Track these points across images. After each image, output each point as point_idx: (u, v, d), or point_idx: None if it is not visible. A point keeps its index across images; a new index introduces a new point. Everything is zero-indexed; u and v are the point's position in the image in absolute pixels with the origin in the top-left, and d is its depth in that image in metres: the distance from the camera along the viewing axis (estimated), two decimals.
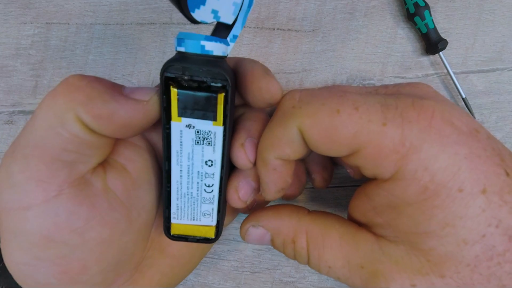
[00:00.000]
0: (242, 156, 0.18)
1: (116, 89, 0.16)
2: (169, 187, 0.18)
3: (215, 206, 0.19)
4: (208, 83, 0.16)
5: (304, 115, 0.16)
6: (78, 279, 0.17)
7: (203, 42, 0.16)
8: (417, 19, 0.27)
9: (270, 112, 0.21)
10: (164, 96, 0.16)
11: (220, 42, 0.16)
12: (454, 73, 0.28)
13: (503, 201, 0.14)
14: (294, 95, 0.17)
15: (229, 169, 0.19)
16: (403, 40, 0.28)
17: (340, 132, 0.15)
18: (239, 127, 0.19)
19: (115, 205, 0.17)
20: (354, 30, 0.28)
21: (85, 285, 0.17)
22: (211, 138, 0.17)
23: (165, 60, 0.28)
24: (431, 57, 0.28)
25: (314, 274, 0.28)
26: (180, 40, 0.16)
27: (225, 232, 0.28)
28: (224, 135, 0.17)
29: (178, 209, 0.19)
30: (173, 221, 0.19)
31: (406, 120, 0.15)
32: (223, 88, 0.16)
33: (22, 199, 0.15)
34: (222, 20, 0.16)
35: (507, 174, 0.14)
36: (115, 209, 0.17)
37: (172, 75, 0.15)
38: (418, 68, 0.28)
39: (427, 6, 0.27)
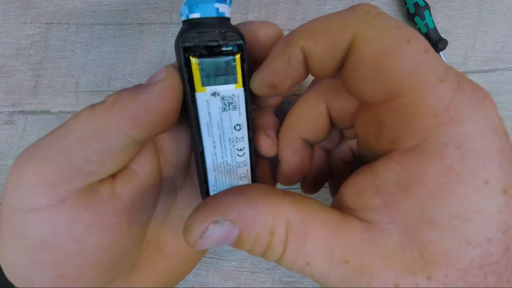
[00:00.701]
0: (269, 142, 0.19)
1: (137, 87, 0.16)
2: (204, 161, 0.17)
3: (248, 167, 0.19)
4: (224, 45, 0.16)
5: (375, 24, 0.14)
6: (73, 283, 0.17)
7: (216, 5, 0.16)
8: (417, 19, 0.27)
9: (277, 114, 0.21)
10: (185, 68, 0.16)
11: (224, 3, 0.16)
12: None
13: None
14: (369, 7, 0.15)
15: (253, 127, 0.19)
16: None
17: (396, 63, 0.13)
18: (257, 125, 0.20)
19: (119, 210, 0.17)
20: None
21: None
22: (235, 101, 0.17)
23: (165, 60, 0.28)
24: None
25: None
26: (193, 7, 0.15)
27: None
28: (246, 96, 0.17)
29: (216, 180, 0.18)
30: (212, 193, 0.18)
31: (462, 89, 0.13)
32: (239, 48, 0.16)
33: (27, 200, 0.15)
34: None
35: None
36: (117, 214, 0.17)
37: (190, 44, 0.15)
38: None
39: (427, 6, 0.27)
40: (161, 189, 0.21)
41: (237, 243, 0.14)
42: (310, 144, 0.20)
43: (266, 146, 0.19)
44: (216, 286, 0.28)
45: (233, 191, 0.15)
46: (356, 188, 0.15)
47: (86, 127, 0.15)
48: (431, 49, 0.13)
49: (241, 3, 0.28)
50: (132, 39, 0.28)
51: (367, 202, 0.14)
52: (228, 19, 0.17)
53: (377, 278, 0.13)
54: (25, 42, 0.28)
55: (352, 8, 0.14)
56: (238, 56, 0.16)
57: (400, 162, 0.14)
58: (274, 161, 0.22)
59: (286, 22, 0.28)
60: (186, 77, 0.16)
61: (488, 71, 0.28)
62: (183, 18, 0.16)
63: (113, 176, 0.17)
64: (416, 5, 0.27)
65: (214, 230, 0.14)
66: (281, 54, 0.16)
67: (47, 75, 0.28)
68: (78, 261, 0.16)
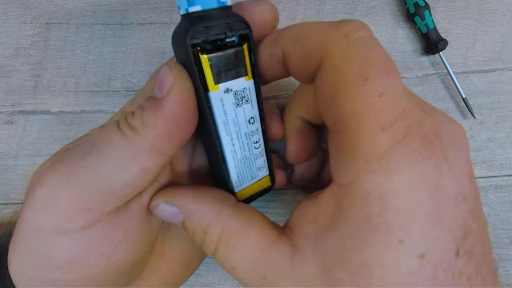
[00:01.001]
0: (276, 125, 0.21)
1: (155, 101, 0.15)
2: (225, 160, 0.17)
3: (265, 157, 0.19)
4: (230, 38, 0.15)
5: (344, 52, 0.14)
6: None
7: None
8: (417, 19, 0.27)
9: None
10: (196, 68, 0.15)
11: None
12: (454, 73, 0.27)
13: (433, 277, 0.12)
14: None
15: (264, 117, 0.18)
16: (403, 40, 0.28)
17: (346, 99, 0.13)
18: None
19: (144, 223, 0.17)
20: None
21: None
22: (247, 95, 0.16)
23: (165, 60, 0.28)
24: (431, 57, 0.28)
25: None
26: None
27: None
28: (256, 87, 0.16)
29: (238, 176, 0.18)
30: (236, 190, 0.18)
31: (405, 142, 0.13)
32: (245, 38, 0.15)
33: (60, 224, 0.15)
34: None
35: (457, 255, 0.12)
36: (143, 228, 0.17)
37: (199, 41, 0.14)
38: (418, 68, 0.28)
39: (427, 6, 0.27)
40: None
41: (184, 227, 0.17)
42: (315, 125, 0.21)
43: (274, 129, 0.20)
44: (216, 286, 0.28)
45: (194, 188, 0.17)
46: (301, 211, 0.16)
47: (122, 153, 0.15)
48: (391, 92, 0.13)
49: None
50: (132, 39, 0.28)
51: (303, 228, 0.15)
52: (230, 7, 0.15)
53: None
54: (25, 42, 0.28)
55: (338, 25, 0.14)
56: (245, 46, 0.15)
57: (336, 197, 0.14)
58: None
59: (286, 22, 0.28)
60: (198, 77, 0.15)
61: (488, 71, 0.28)
62: (182, 12, 0.15)
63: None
64: (416, 5, 0.27)
65: (164, 207, 0.17)
66: (265, 50, 0.16)
67: (47, 75, 0.28)
68: (102, 278, 0.16)
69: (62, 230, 0.15)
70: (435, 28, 0.27)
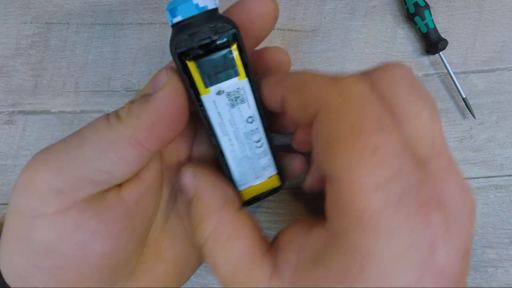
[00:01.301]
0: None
1: (145, 96, 0.16)
2: (225, 160, 0.18)
3: (270, 155, 0.19)
4: (220, 40, 0.15)
5: (338, 106, 0.14)
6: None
7: (195, 1, 0.15)
8: (417, 19, 0.27)
9: None
10: (185, 75, 0.15)
11: None
12: (454, 73, 0.27)
13: None
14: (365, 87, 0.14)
15: (266, 115, 0.18)
16: (403, 40, 0.28)
17: (339, 154, 0.13)
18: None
19: (123, 216, 0.17)
20: (354, 30, 0.28)
21: None
22: (242, 94, 0.16)
23: (165, 60, 0.28)
24: (431, 57, 0.28)
25: None
26: (173, 10, 0.15)
27: None
28: (252, 86, 0.17)
29: (241, 175, 0.18)
30: (240, 188, 0.19)
31: (399, 206, 0.12)
32: (233, 38, 0.15)
33: (35, 206, 0.15)
34: None
35: None
36: (122, 221, 0.17)
37: (184, 49, 0.15)
38: (418, 68, 0.28)
39: (427, 6, 0.27)
40: (162, 194, 0.21)
41: (190, 206, 0.18)
42: None
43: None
44: (216, 286, 0.28)
45: (217, 175, 0.18)
46: (290, 235, 0.16)
47: (102, 138, 0.16)
48: (385, 149, 0.12)
49: None
50: (132, 39, 0.28)
51: (287, 254, 0.15)
52: (215, 9, 0.16)
53: None
54: (25, 42, 0.28)
55: (336, 80, 0.14)
56: (234, 47, 0.15)
57: (325, 239, 0.14)
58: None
59: (286, 22, 0.28)
60: (188, 82, 0.15)
61: (488, 71, 0.28)
62: (170, 23, 0.16)
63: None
64: (416, 5, 0.27)
65: (189, 176, 0.18)
66: (266, 87, 0.17)
67: (47, 75, 0.28)
68: (79, 268, 0.16)
69: (37, 213, 0.15)
70: (435, 28, 0.27)
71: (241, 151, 0.18)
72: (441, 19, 0.28)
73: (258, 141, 0.18)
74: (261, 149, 0.18)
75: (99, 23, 0.28)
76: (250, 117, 0.17)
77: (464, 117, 0.28)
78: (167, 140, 0.17)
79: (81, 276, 0.16)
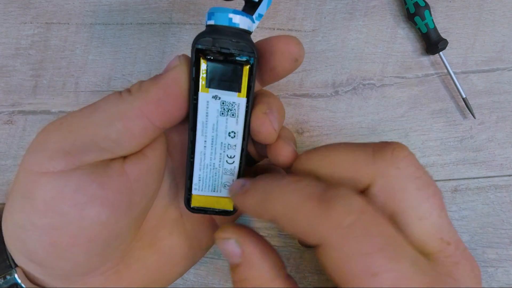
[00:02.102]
0: (267, 123, 0.17)
1: (156, 76, 0.18)
2: (193, 157, 0.18)
3: (235, 177, 0.19)
4: (236, 55, 0.17)
5: (344, 234, 0.13)
6: (63, 255, 0.17)
7: (230, 15, 0.16)
8: (417, 19, 0.27)
9: None
10: (193, 68, 0.17)
11: (246, 17, 0.17)
12: (454, 73, 0.28)
13: None
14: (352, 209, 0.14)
15: (248, 142, 0.19)
16: (403, 40, 0.28)
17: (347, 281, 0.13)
18: (257, 101, 0.19)
19: (123, 188, 0.18)
20: (354, 30, 0.28)
21: (68, 263, 0.17)
22: (235, 109, 0.18)
23: (165, 60, 0.28)
24: (431, 57, 0.28)
25: (314, 274, 0.28)
26: (210, 14, 0.17)
27: None
28: (247, 107, 0.18)
29: (200, 180, 0.19)
30: (194, 192, 0.19)
31: None
32: (248, 61, 0.17)
33: (44, 163, 0.16)
34: None
35: None
36: (121, 192, 0.18)
37: (203, 47, 0.16)
38: (418, 68, 0.28)
39: (427, 6, 0.27)
40: (163, 181, 0.21)
41: (232, 270, 0.17)
42: None
43: (263, 128, 0.18)
44: (216, 286, 0.28)
45: (263, 241, 0.17)
46: None
47: (112, 108, 0.17)
48: (404, 279, 0.13)
49: (241, 4, 0.28)
50: (132, 39, 0.28)
51: None
52: (248, 32, 0.17)
53: None
54: (25, 42, 0.28)
55: (327, 209, 0.14)
56: (246, 67, 0.17)
57: None
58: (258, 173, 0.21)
59: (286, 22, 0.28)
60: (193, 75, 0.17)
61: (488, 71, 0.28)
62: (206, 23, 0.17)
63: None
64: (416, 5, 0.27)
65: (232, 243, 0.17)
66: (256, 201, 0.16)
67: (47, 75, 0.28)
68: (74, 231, 0.17)
69: (44, 170, 0.16)
70: (435, 28, 0.27)
71: (210, 158, 0.18)
72: (441, 19, 0.28)
73: (231, 158, 0.19)
74: (230, 166, 0.19)
75: (99, 23, 0.28)
76: (233, 131, 0.18)
77: (464, 117, 0.28)
78: (172, 118, 0.17)
79: (74, 242, 0.17)
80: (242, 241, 0.17)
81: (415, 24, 0.27)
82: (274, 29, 0.28)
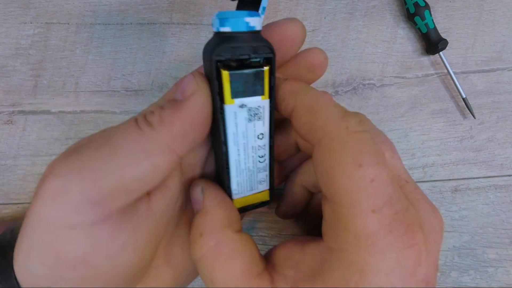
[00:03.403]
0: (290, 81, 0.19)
1: (175, 102, 0.16)
2: (228, 167, 0.18)
3: (268, 172, 0.20)
4: (255, 59, 0.16)
5: (342, 141, 0.16)
6: None
7: (247, 19, 0.16)
8: (417, 19, 0.27)
9: None
10: (216, 82, 0.16)
11: (256, 15, 0.16)
12: (454, 73, 0.27)
13: None
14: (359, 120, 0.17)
15: (274, 134, 0.19)
16: (403, 40, 0.28)
17: (340, 181, 0.15)
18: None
19: (152, 227, 0.17)
20: (354, 30, 0.28)
21: None
22: (260, 112, 0.17)
23: (165, 60, 0.28)
24: (431, 57, 0.28)
25: None
26: (223, 20, 0.16)
27: None
28: (271, 106, 0.18)
29: (238, 185, 0.19)
30: (234, 197, 0.19)
31: (390, 227, 0.14)
32: (268, 61, 0.16)
33: (70, 217, 0.15)
34: None
35: None
36: (151, 231, 0.17)
37: (223, 58, 0.16)
38: (418, 68, 0.28)
39: (427, 6, 0.27)
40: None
41: (194, 218, 0.18)
42: (310, 192, 0.23)
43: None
44: None
45: (224, 196, 0.19)
46: (285, 253, 0.17)
47: (136, 147, 0.15)
48: (380, 180, 0.15)
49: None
50: (132, 39, 0.28)
51: (284, 270, 0.17)
52: (259, 31, 0.17)
53: None
54: (25, 42, 0.28)
55: (344, 115, 0.16)
56: (267, 69, 0.16)
57: (321, 254, 0.16)
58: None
59: None
60: (217, 89, 0.16)
61: (488, 71, 0.28)
62: (214, 29, 0.16)
63: (149, 192, 0.17)
64: (416, 5, 0.27)
65: (198, 190, 0.19)
66: (282, 92, 0.18)
67: (47, 75, 0.28)
68: (107, 279, 0.16)
69: (73, 224, 0.15)
70: (435, 28, 0.27)
71: (245, 163, 0.19)
72: (441, 19, 0.28)
73: (262, 157, 0.19)
74: (262, 164, 0.19)
75: (99, 23, 0.28)
76: (261, 133, 0.18)
77: (464, 117, 0.28)
78: (194, 145, 0.17)
79: (104, 285, 0.16)
80: (206, 190, 0.19)
81: (415, 24, 0.27)
82: None
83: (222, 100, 0.16)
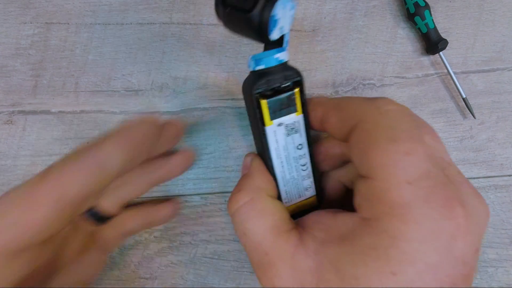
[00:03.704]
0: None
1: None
2: (276, 179, 0.21)
3: (312, 178, 0.22)
4: (286, 85, 0.19)
5: (376, 119, 0.17)
6: None
7: (276, 55, 0.19)
8: (417, 19, 0.27)
9: None
10: (257, 109, 0.19)
11: (283, 50, 0.19)
12: (455, 73, 0.27)
13: None
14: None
15: (312, 142, 0.21)
16: (403, 40, 0.28)
17: (376, 154, 0.16)
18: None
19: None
20: (354, 30, 0.28)
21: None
22: (296, 126, 0.20)
23: (165, 60, 0.28)
24: (432, 57, 0.28)
25: None
26: (258, 61, 0.19)
27: (225, 232, 0.28)
28: (305, 119, 0.20)
29: (287, 194, 0.22)
30: (285, 205, 0.21)
31: (427, 199, 0.15)
32: (297, 84, 0.19)
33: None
34: (285, 32, 0.19)
35: None
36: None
37: (260, 90, 0.19)
38: (418, 68, 0.28)
39: (427, 6, 0.27)
40: None
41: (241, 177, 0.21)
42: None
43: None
44: (216, 286, 0.28)
45: (267, 171, 0.21)
46: (316, 218, 0.18)
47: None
48: (415, 153, 0.15)
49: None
50: (132, 39, 0.28)
51: (314, 231, 0.18)
52: (286, 62, 0.19)
53: (278, 278, 0.17)
54: (25, 42, 0.28)
55: (372, 99, 0.18)
56: (297, 90, 0.19)
57: (353, 223, 0.16)
58: None
59: None
60: (258, 116, 0.19)
61: (488, 71, 0.28)
62: (251, 69, 0.19)
63: None
64: (416, 5, 0.27)
65: (248, 159, 0.22)
66: (310, 109, 0.20)
67: (47, 75, 0.28)
68: None
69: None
70: (435, 28, 0.27)
71: (289, 173, 0.21)
72: (441, 19, 0.28)
73: (304, 165, 0.21)
74: (305, 172, 0.21)
75: (99, 23, 0.28)
76: (300, 144, 0.21)
77: (464, 117, 0.28)
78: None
79: None
80: (254, 160, 0.21)
81: (415, 24, 0.27)
82: None
83: (263, 124, 0.19)
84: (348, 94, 0.28)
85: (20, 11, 0.28)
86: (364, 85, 0.28)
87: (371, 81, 0.28)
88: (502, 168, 0.28)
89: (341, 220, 0.17)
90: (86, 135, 0.28)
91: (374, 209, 0.16)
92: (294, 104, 0.19)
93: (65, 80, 0.28)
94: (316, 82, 0.28)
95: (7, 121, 0.28)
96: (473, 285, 0.28)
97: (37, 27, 0.28)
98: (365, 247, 0.15)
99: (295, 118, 0.20)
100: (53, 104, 0.28)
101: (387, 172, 0.15)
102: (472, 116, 0.28)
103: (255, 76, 0.19)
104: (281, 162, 0.21)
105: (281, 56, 0.19)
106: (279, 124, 0.19)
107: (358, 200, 0.17)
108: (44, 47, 0.28)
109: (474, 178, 0.28)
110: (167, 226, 0.28)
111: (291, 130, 0.20)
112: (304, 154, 0.21)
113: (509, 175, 0.28)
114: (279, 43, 0.19)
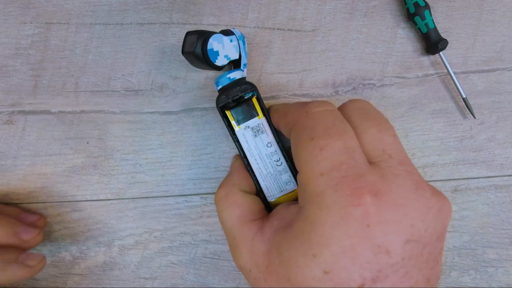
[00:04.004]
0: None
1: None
2: (254, 175, 0.24)
3: (289, 173, 0.24)
4: (243, 95, 0.24)
5: (303, 124, 0.20)
6: None
7: (228, 75, 0.24)
8: (417, 19, 0.27)
9: None
10: (224, 119, 0.24)
11: (237, 70, 0.24)
12: (455, 73, 0.27)
13: None
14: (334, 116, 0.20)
15: (282, 141, 0.25)
16: (403, 40, 0.28)
17: (299, 152, 0.19)
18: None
19: None
20: (354, 30, 0.28)
21: None
22: (261, 128, 0.24)
23: (165, 60, 0.28)
24: (432, 57, 0.28)
25: None
26: (217, 82, 0.24)
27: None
28: (268, 121, 0.24)
29: (268, 189, 0.24)
30: (269, 199, 0.24)
31: (336, 188, 0.17)
32: (253, 93, 0.24)
33: None
34: (232, 58, 0.24)
35: (360, 286, 0.16)
36: None
37: (223, 103, 0.24)
38: (418, 68, 0.28)
39: (427, 6, 0.27)
40: None
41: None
42: None
43: None
44: (216, 286, 0.28)
45: (246, 171, 0.25)
46: (278, 209, 0.22)
47: None
48: (329, 148, 0.18)
49: (241, 3, 0.28)
50: (132, 39, 0.28)
51: (272, 220, 0.21)
52: (243, 77, 0.25)
53: (241, 258, 0.21)
54: (25, 42, 0.28)
55: (304, 105, 0.20)
56: (254, 98, 0.24)
57: (296, 211, 0.19)
58: None
59: (286, 22, 0.28)
60: (226, 123, 0.24)
61: (488, 71, 0.28)
62: (216, 88, 0.25)
63: None
64: (416, 5, 0.27)
65: (232, 160, 0.27)
66: (270, 115, 0.24)
67: (47, 75, 0.28)
68: None
69: None
70: (435, 28, 0.27)
71: (265, 169, 0.24)
72: (441, 19, 0.28)
73: (278, 161, 0.24)
74: (281, 167, 0.24)
75: (99, 23, 0.28)
76: (269, 142, 0.24)
77: (464, 117, 0.28)
78: None
79: None
80: (235, 161, 0.25)
81: (415, 24, 0.27)
82: (274, 29, 0.28)
83: (232, 130, 0.24)
84: (348, 94, 0.28)
85: (20, 11, 0.28)
86: (364, 85, 0.28)
87: (371, 81, 0.28)
88: (502, 168, 0.28)
89: (290, 210, 0.20)
90: (86, 135, 0.28)
91: (301, 198, 0.19)
92: (255, 109, 0.24)
93: (65, 80, 0.28)
94: (316, 82, 0.28)
95: (7, 121, 0.28)
96: (473, 285, 0.28)
97: (37, 27, 0.28)
98: (297, 233, 0.18)
99: (258, 121, 0.24)
100: (53, 104, 0.28)
101: (307, 166, 0.18)
102: (472, 116, 0.28)
103: (219, 93, 0.24)
104: (255, 159, 0.24)
105: (233, 75, 0.24)
106: (246, 128, 0.24)
107: (298, 192, 0.20)
108: (44, 47, 0.28)
109: (474, 178, 0.28)
110: (167, 226, 0.28)
111: (257, 131, 0.24)
112: (276, 151, 0.24)
113: (509, 175, 0.28)
114: (241, 65, 0.25)
